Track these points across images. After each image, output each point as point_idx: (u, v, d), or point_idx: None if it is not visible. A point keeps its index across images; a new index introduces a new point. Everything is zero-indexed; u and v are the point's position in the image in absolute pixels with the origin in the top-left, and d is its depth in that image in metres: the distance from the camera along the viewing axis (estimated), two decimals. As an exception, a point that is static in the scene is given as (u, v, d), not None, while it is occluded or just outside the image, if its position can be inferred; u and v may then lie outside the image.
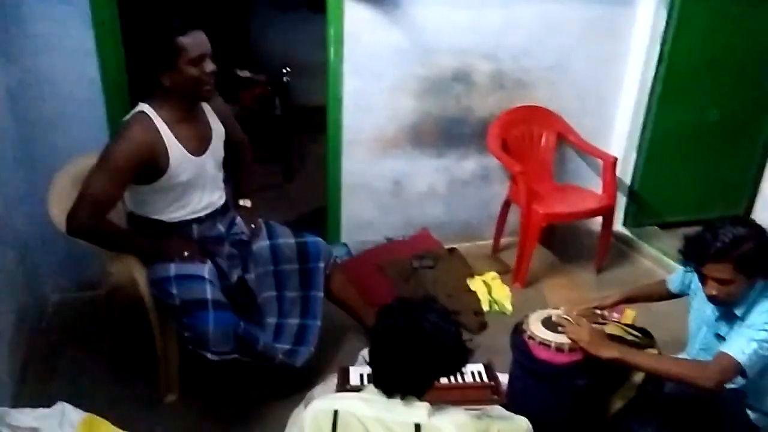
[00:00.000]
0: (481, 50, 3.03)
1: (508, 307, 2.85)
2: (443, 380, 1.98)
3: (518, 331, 1.86)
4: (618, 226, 3.62)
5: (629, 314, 2.71)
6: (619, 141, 3.47)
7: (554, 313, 1.88)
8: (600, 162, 3.19)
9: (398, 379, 1.34)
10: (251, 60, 4.73)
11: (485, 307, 2.84)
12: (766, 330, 1.67)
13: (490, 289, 2.93)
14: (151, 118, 1.89)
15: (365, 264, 2.98)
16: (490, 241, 3.36)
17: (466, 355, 1.39)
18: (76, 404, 1.72)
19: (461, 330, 1.39)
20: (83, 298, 2.70)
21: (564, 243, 3.44)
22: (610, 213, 3.10)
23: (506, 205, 3.20)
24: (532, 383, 1.82)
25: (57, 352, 2.43)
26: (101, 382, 2.27)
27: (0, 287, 2.13)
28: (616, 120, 3.46)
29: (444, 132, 3.15)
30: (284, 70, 4.12)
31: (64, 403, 1.64)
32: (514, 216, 3.18)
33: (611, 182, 3.07)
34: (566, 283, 3.11)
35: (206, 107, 2.08)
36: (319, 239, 2.34)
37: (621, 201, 3.57)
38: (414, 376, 1.34)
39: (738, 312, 1.77)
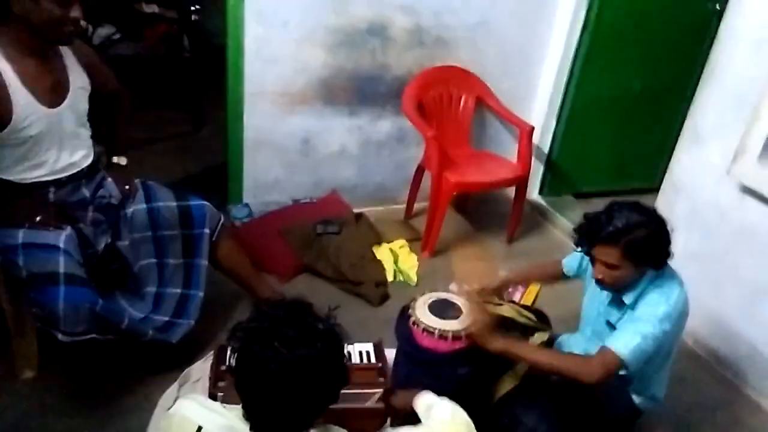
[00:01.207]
0: (400, 2, 2.81)
1: (413, 277, 2.76)
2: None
3: (404, 315, 1.75)
4: (534, 194, 3.58)
5: (533, 289, 2.67)
6: (540, 107, 3.37)
7: (443, 297, 1.77)
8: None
9: (263, 417, 1.09)
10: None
11: (390, 277, 2.73)
12: (653, 324, 1.63)
13: (397, 258, 2.82)
14: None
15: (266, 228, 2.81)
16: (404, 207, 3.23)
17: (344, 380, 1.14)
18: None
19: (338, 345, 1.13)
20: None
21: (479, 211, 3.36)
22: (524, 183, 3.02)
23: (420, 169, 3.07)
24: (415, 370, 1.73)
25: None
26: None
27: None
28: (539, 86, 3.35)
29: (358, 89, 2.95)
30: (193, 7, 3.76)
31: None
32: (428, 181, 3.05)
33: (526, 152, 2.97)
34: (477, 253, 3.03)
35: (66, 52, 1.80)
36: (205, 203, 2.14)
37: (538, 169, 3.52)
38: (283, 417, 1.09)
39: (626, 300, 1.73)
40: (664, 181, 2.65)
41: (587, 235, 1.67)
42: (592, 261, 1.70)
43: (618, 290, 1.74)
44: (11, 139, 1.68)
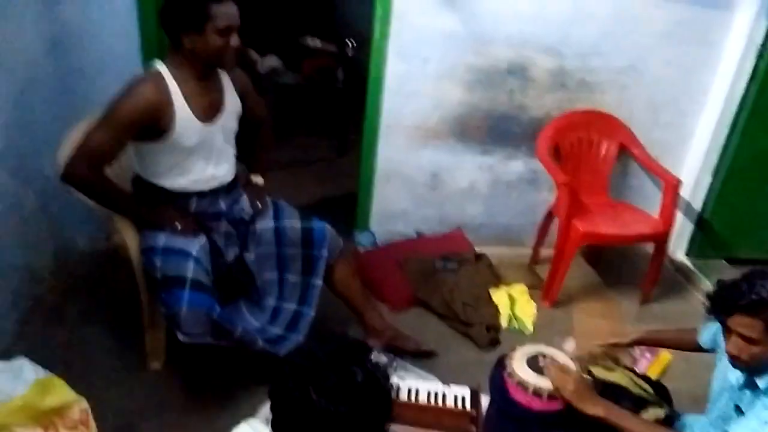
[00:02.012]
0: (543, 43, 2.76)
1: (529, 326, 2.65)
2: (421, 398, 1.90)
3: (500, 364, 1.68)
4: (680, 254, 3.28)
5: (663, 359, 2.43)
6: (694, 161, 3.10)
7: (546, 353, 1.68)
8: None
9: None
10: (331, 29, 4.64)
11: (504, 323, 2.65)
12: None
13: (514, 304, 2.73)
14: (163, 77, 1.86)
15: (387, 257, 2.86)
16: (530, 251, 3.12)
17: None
18: (68, 358, 1.69)
19: (377, 399, 1.07)
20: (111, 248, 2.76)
21: (613, 265, 3.14)
22: (664, 240, 2.78)
23: (550, 215, 2.95)
24: (504, 425, 1.64)
25: (67, 301, 2.49)
26: (96, 337, 2.32)
27: (19, 230, 2.20)
28: (694, 137, 3.09)
29: (492, 128, 2.93)
30: (348, 42, 4.00)
31: (24, 359, 1.66)
32: (557, 228, 2.92)
33: (670, 206, 2.74)
34: (601, 310, 2.84)
35: (225, 78, 2.02)
36: (327, 226, 2.24)
37: (687, 228, 3.23)
38: None
39: (761, 384, 1.52)
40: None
41: (723, 303, 1.49)
42: (726, 333, 1.51)
43: (753, 371, 1.53)
44: (168, 147, 1.91)
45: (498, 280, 2.85)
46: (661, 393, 1.87)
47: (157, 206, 1.98)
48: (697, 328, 1.86)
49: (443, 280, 2.71)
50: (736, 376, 1.63)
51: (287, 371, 1.04)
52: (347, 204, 3.21)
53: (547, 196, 3.04)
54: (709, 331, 1.80)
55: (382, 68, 2.72)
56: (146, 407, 2.06)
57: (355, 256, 2.89)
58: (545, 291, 2.81)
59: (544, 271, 2.98)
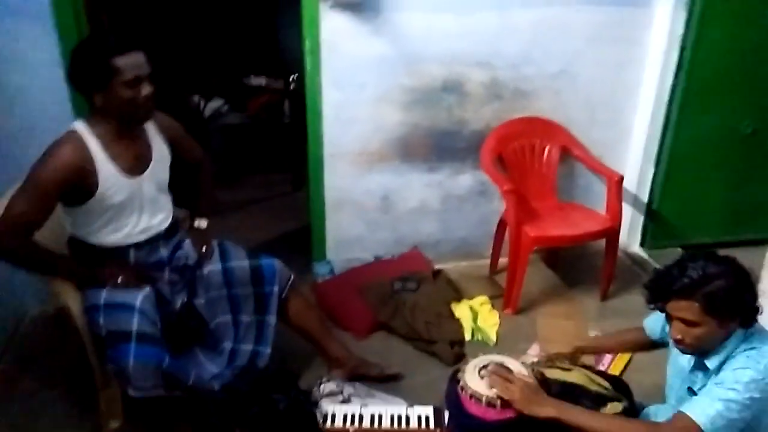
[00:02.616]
0: (474, 58, 2.82)
1: (492, 337, 2.65)
2: (384, 423, 1.88)
3: (453, 379, 1.68)
4: (635, 247, 3.33)
5: (623, 357, 2.44)
6: (635, 155, 3.18)
7: (496, 360, 1.68)
8: (613, 178, 2.92)
9: None
10: (277, 65, 4.66)
11: (468, 336, 2.65)
12: (735, 389, 1.44)
13: (476, 316, 2.73)
14: (81, 138, 1.83)
15: (345, 285, 2.85)
16: (488, 262, 3.14)
17: None
18: (27, 428, 1.63)
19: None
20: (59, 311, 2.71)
21: (571, 266, 3.18)
22: (615, 236, 2.82)
23: (502, 223, 2.98)
24: (464, 439, 1.64)
25: (21, 370, 2.42)
26: (53, 403, 2.25)
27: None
28: (632, 132, 3.17)
29: (435, 145, 2.97)
30: (291, 77, 4.03)
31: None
32: (511, 235, 2.96)
33: (615, 201, 2.79)
34: (565, 312, 2.86)
35: (149, 126, 2.00)
36: (275, 261, 2.23)
37: (638, 220, 3.29)
38: None
39: (710, 364, 1.55)
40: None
41: (659, 291, 1.53)
42: (668, 320, 1.55)
43: (701, 353, 1.56)
44: (97, 207, 1.88)
45: (459, 295, 2.85)
46: (619, 387, 1.87)
47: (95, 263, 1.95)
48: (644, 326, 1.88)
49: (403, 301, 2.70)
50: (686, 360, 1.66)
51: (210, 409, 1.04)
52: (305, 237, 3.21)
53: (498, 206, 3.07)
54: (656, 322, 1.83)
55: (318, 99, 2.74)
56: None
57: (313, 288, 2.89)
58: (506, 299, 2.83)
59: (503, 280, 2.99)
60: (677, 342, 1.54)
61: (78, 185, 1.82)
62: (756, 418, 1.50)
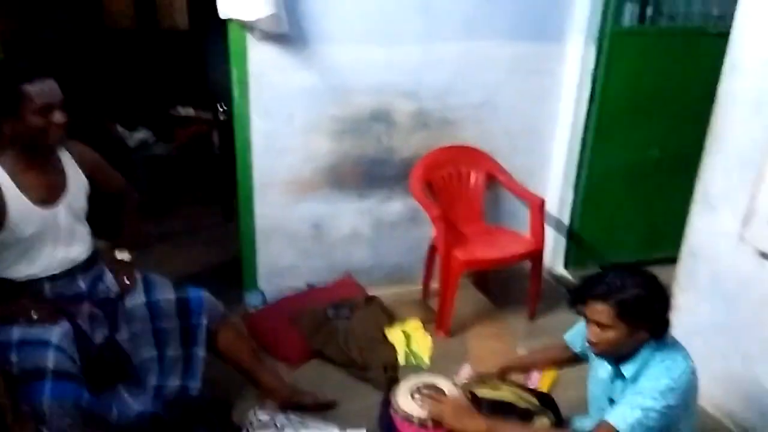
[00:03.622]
0: (401, 89, 2.91)
1: (426, 360, 2.68)
2: (318, 452, 1.86)
3: (386, 402, 1.69)
4: (559, 268, 3.47)
5: (551, 372, 2.52)
6: (556, 180, 3.33)
7: (427, 382, 1.71)
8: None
9: None
10: (205, 95, 4.61)
11: (402, 360, 2.66)
12: (653, 398, 1.53)
13: (410, 340, 2.76)
14: None
15: (278, 314, 2.82)
16: (421, 286, 3.19)
17: None
18: None
19: None
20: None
21: (500, 288, 3.28)
22: (539, 257, 2.93)
23: (433, 248, 3.05)
24: (398, 461, 1.64)
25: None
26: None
27: None
28: (552, 158, 3.33)
29: (365, 173, 3.02)
30: (220, 108, 4.01)
31: None
32: (441, 260, 3.02)
33: (538, 225, 2.91)
34: (495, 332, 2.94)
35: (64, 155, 1.94)
36: (203, 293, 2.18)
37: (561, 242, 3.44)
38: None
39: (626, 372, 1.64)
40: (682, 248, 2.52)
41: (579, 294, 1.63)
42: (587, 325, 1.63)
43: (616, 360, 1.65)
44: (7, 239, 1.79)
45: (392, 320, 2.88)
46: (546, 403, 1.94)
47: (6, 298, 1.84)
48: (566, 340, 1.96)
49: (336, 328, 2.70)
50: (606, 371, 1.74)
51: None
52: (237, 267, 3.15)
53: (428, 231, 3.13)
54: (577, 336, 1.91)
55: (247, 129, 2.74)
56: None
57: (245, 318, 2.84)
58: (438, 322, 2.87)
59: (435, 304, 3.04)
60: (591, 344, 1.64)
61: None
62: (672, 425, 1.59)
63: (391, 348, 2.69)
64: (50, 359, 1.74)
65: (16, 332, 1.79)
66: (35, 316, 1.82)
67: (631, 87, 3.12)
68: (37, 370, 1.72)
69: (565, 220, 3.38)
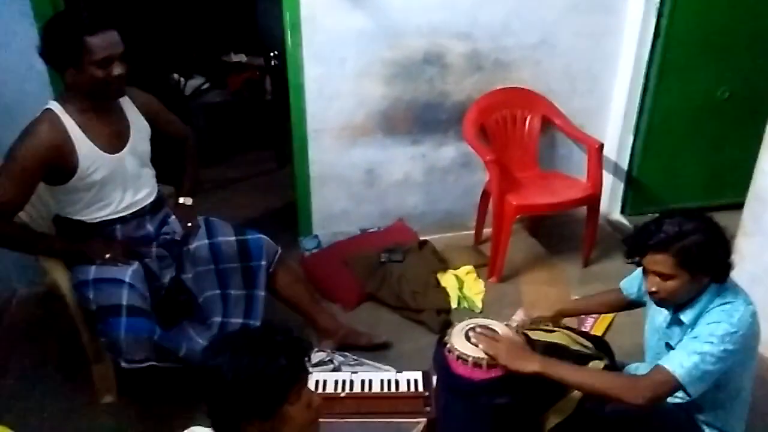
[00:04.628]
0: (454, 29, 2.83)
1: (478, 304, 2.71)
2: (375, 388, 1.93)
3: (441, 342, 1.72)
4: (616, 215, 3.40)
5: (606, 317, 2.52)
6: (615, 124, 3.22)
7: (482, 323, 1.73)
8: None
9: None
10: (256, 42, 4.62)
11: (454, 304, 2.70)
12: (711, 342, 1.50)
13: (462, 285, 2.79)
14: (58, 116, 1.83)
15: (332, 257, 2.89)
16: (473, 232, 3.19)
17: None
18: (18, 407, 1.79)
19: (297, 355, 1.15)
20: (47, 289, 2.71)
21: (553, 234, 3.24)
22: (595, 203, 2.88)
23: (486, 194, 3.02)
24: (452, 400, 1.69)
25: (11, 350, 2.44)
26: (45, 380, 2.27)
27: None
28: (612, 101, 3.21)
29: (418, 118, 2.99)
30: (272, 54, 4.01)
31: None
32: (494, 206, 3.00)
33: (596, 170, 2.84)
34: (548, 278, 2.93)
35: (125, 102, 2.00)
36: (262, 236, 2.25)
37: (619, 188, 3.35)
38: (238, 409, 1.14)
39: (684, 319, 1.61)
40: (749, 192, 2.42)
41: (636, 245, 1.59)
42: (645, 275, 1.60)
43: (675, 308, 1.63)
44: (80, 185, 1.89)
45: (444, 265, 2.90)
46: (601, 347, 1.94)
47: (82, 240, 1.96)
48: (621, 287, 1.94)
49: (390, 272, 2.75)
50: (663, 316, 1.72)
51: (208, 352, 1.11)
52: (291, 212, 3.22)
53: (482, 177, 3.10)
54: (633, 283, 1.88)
55: (300, 74, 2.74)
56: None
57: (301, 262, 2.92)
58: (491, 268, 2.88)
59: (488, 250, 3.04)
60: (652, 294, 1.60)
61: (58, 164, 1.83)
62: (731, 370, 1.56)
63: (444, 292, 2.73)
64: (124, 296, 1.86)
65: (92, 271, 1.91)
66: (109, 257, 1.93)
67: (700, 23, 2.94)
68: (112, 306, 1.84)
69: (624, 164, 3.28)
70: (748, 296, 1.60)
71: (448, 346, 1.67)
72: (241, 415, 1.12)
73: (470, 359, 1.61)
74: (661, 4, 2.89)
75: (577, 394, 1.72)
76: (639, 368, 1.88)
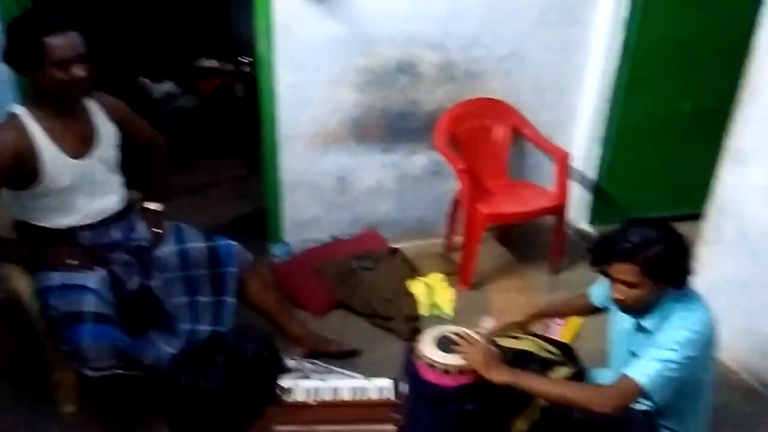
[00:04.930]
0: (427, 40, 2.86)
1: (449, 311, 2.73)
2: (344, 396, 1.92)
3: (410, 350, 1.73)
4: (584, 224, 3.46)
5: (573, 323, 2.56)
6: (582, 134, 3.29)
7: (452, 331, 1.75)
8: (562, 156, 3.02)
9: None
10: (228, 47, 4.58)
11: (424, 312, 2.71)
12: (673, 350, 1.55)
13: (432, 292, 2.80)
14: (21, 121, 1.79)
15: (303, 265, 2.87)
16: (444, 240, 3.21)
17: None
18: None
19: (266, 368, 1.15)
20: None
21: (523, 242, 3.29)
22: (563, 212, 2.93)
23: (457, 202, 3.05)
24: (421, 406, 1.71)
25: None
26: (4, 388, 2.21)
27: None
28: (579, 112, 3.27)
29: (390, 126, 3.01)
30: (244, 59, 3.99)
31: None
32: (465, 214, 3.03)
33: (563, 179, 2.90)
34: (517, 286, 2.97)
35: (93, 107, 1.96)
36: (232, 242, 2.23)
37: (586, 198, 3.41)
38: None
39: (646, 325, 1.65)
40: (709, 203, 2.49)
41: (602, 254, 1.61)
42: (610, 281, 1.63)
43: (638, 313, 1.66)
44: (44, 191, 1.84)
45: (415, 272, 2.92)
46: (567, 353, 1.97)
47: (45, 246, 1.91)
48: (587, 293, 1.97)
49: (361, 279, 2.75)
50: (627, 323, 1.75)
51: (176, 366, 1.08)
52: (261, 219, 3.20)
53: (452, 186, 3.13)
54: (599, 290, 1.92)
55: (271, 81, 2.73)
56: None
57: (271, 269, 2.90)
58: (461, 275, 2.91)
59: (458, 257, 3.07)
60: (617, 301, 1.63)
61: (22, 169, 1.79)
62: (692, 375, 1.61)
63: (414, 299, 2.74)
64: (89, 303, 1.82)
65: (56, 277, 1.86)
66: (73, 264, 1.88)
67: (666, 36, 3.02)
68: (76, 313, 1.80)
69: (591, 175, 3.34)
70: (705, 302, 1.65)
71: (418, 353, 1.68)
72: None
73: (439, 366, 1.62)
74: (630, 17, 2.97)
75: (541, 402, 1.74)
76: (604, 373, 1.91)
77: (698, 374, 1.64)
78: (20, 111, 1.81)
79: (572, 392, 1.60)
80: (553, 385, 1.65)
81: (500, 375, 1.60)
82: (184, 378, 1.06)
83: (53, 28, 1.72)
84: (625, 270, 1.56)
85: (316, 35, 2.71)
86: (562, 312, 2.16)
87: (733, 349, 2.33)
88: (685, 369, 1.56)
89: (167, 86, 4.14)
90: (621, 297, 1.60)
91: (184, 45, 4.56)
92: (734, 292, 2.32)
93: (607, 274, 1.62)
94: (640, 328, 1.68)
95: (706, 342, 1.59)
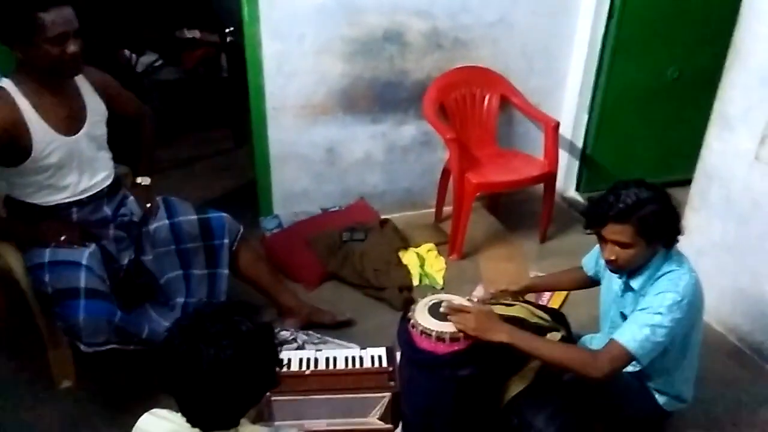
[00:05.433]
0: (414, 7, 2.83)
1: (440, 281, 2.75)
2: (339, 365, 1.95)
3: (404, 318, 1.75)
4: (572, 192, 3.49)
5: (561, 292, 2.59)
6: (570, 102, 3.29)
7: (444, 299, 1.76)
8: (550, 125, 3.02)
9: (193, 412, 1.15)
10: (211, 18, 4.49)
11: (416, 282, 2.74)
12: (660, 314, 1.57)
13: (423, 262, 2.82)
14: (9, 94, 1.75)
15: (294, 237, 2.88)
16: (433, 210, 3.23)
17: (270, 381, 1.19)
18: None
19: (266, 351, 1.16)
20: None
21: (511, 211, 3.31)
22: (552, 180, 2.94)
23: (446, 172, 3.06)
24: (416, 373, 1.73)
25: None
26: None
27: None
28: (567, 79, 3.27)
29: (378, 96, 2.99)
30: (227, 30, 3.92)
31: None
32: (454, 183, 3.04)
33: (552, 148, 2.90)
34: (507, 254, 2.99)
35: (81, 82, 1.93)
36: (224, 215, 2.23)
37: (574, 165, 3.43)
38: (207, 409, 1.13)
39: (634, 285, 1.68)
40: (696, 169, 2.52)
41: (596, 216, 1.62)
42: (602, 244, 1.65)
43: (629, 274, 1.69)
44: (34, 167, 1.82)
45: (405, 243, 2.93)
46: (558, 319, 2.00)
47: (35, 223, 1.90)
48: (582, 265, 2.00)
49: (352, 250, 2.76)
50: (617, 285, 1.78)
51: (174, 332, 1.09)
52: (250, 192, 3.19)
53: (442, 155, 3.13)
54: (590, 259, 1.95)
55: (257, 51, 2.70)
56: (62, 427, 2.00)
57: (262, 242, 2.90)
58: (451, 245, 2.93)
59: (448, 227, 3.08)
60: (610, 263, 1.65)
61: (10, 145, 1.76)
62: (677, 335, 1.64)
63: (406, 270, 2.76)
64: (82, 278, 1.81)
65: (47, 254, 1.85)
66: (64, 240, 1.87)
67: (652, 3, 3.01)
68: (70, 289, 1.80)
69: (579, 143, 3.36)
70: (690, 264, 1.67)
71: (411, 321, 1.70)
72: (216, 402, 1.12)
73: (433, 334, 1.64)
74: (615, -17, 2.95)
75: (536, 363, 1.78)
76: (594, 338, 1.95)
77: (683, 335, 1.67)
78: (8, 85, 1.77)
79: (565, 355, 1.62)
80: (547, 347, 1.67)
81: (497, 334, 1.61)
82: (184, 346, 1.07)
83: (46, 3, 1.68)
84: (619, 231, 1.57)
85: (301, 3, 2.67)
86: (556, 285, 2.18)
87: (719, 312, 2.39)
88: (674, 331, 1.59)
89: (150, 58, 4.06)
90: (614, 257, 1.61)
91: (166, 15, 4.46)
92: (720, 256, 2.36)
93: (600, 236, 1.65)
94: (629, 288, 1.71)
95: (693, 303, 1.62)
